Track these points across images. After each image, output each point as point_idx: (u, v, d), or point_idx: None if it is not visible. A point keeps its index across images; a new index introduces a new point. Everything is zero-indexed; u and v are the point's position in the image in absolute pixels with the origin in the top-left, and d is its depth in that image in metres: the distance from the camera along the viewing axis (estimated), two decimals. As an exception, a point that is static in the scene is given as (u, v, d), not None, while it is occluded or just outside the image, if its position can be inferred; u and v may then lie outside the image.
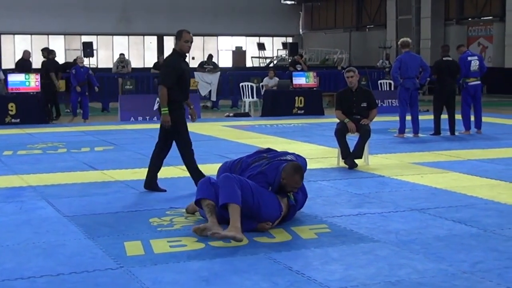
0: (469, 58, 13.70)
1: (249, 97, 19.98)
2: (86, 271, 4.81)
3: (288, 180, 6.05)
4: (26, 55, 18.55)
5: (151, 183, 7.78)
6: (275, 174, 6.09)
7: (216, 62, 24.09)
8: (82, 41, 33.00)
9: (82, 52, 29.11)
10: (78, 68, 17.28)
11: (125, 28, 39.40)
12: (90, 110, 18.65)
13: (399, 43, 13.69)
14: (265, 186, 6.02)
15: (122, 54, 22.36)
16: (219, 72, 21.84)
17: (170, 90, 7.48)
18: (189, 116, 8.01)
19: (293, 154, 6.69)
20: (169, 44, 41.27)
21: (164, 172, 9.02)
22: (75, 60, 19.11)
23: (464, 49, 14.23)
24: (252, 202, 5.76)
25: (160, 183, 8.27)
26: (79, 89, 16.95)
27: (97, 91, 18.01)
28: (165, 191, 7.68)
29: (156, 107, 17.47)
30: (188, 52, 7.63)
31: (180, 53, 7.59)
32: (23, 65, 17.97)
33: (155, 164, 7.82)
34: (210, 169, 8.77)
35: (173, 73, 7.50)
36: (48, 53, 18.74)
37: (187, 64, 7.80)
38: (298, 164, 6.25)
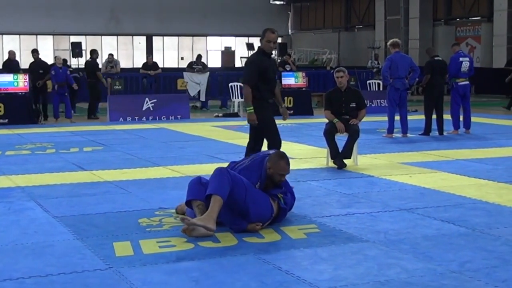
0: (460, 59, 13.77)
1: (238, 98, 19.97)
2: (75, 271, 4.80)
3: (274, 168, 6.05)
4: (12, 55, 18.45)
5: None
6: (261, 168, 6.09)
7: (205, 62, 24.09)
8: (70, 41, 32.91)
9: (71, 52, 29.01)
10: (57, 68, 17.18)
11: (114, 28, 39.30)
12: (78, 110, 18.63)
13: (389, 43, 13.70)
14: (253, 180, 6.01)
15: (111, 55, 22.32)
16: (208, 73, 21.82)
17: (254, 88, 7.53)
18: (282, 116, 8.13)
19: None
20: (158, 44, 41.27)
21: (153, 173, 9.03)
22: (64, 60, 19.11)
23: (458, 48, 14.26)
24: (244, 199, 5.75)
25: (149, 183, 8.27)
26: (75, 86, 16.97)
27: (76, 89, 17.86)
28: None
29: (145, 107, 17.51)
30: (270, 51, 7.67)
31: (264, 51, 7.61)
32: (10, 65, 17.87)
33: None
34: (199, 170, 8.78)
35: (254, 70, 7.52)
36: (91, 53, 19.07)
37: (273, 61, 7.85)
38: (282, 152, 6.31)
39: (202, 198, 5.84)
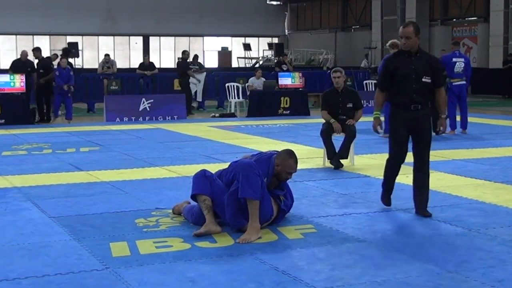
0: (454, 59, 13.73)
1: (235, 98, 19.98)
2: (71, 272, 4.80)
3: (283, 165, 6.07)
4: (24, 56, 18.19)
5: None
6: (269, 164, 6.09)
7: (202, 63, 24.08)
8: (67, 41, 32.88)
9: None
10: (61, 69, 17.19)
11: (111, 28, 39.29)
12: (75, 110, 18.59)
13: (388, 44, 13.69)
14: (263, 173, 5.99)
15: (107, 55, 22.29)
16: (205, 73, 21.82)
17: (389, 92, 6.66)
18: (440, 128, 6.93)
19: (275, 151, 6.63)
20: (155, 44, 41.27)
21: (150, 173, 9.02)
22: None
23: (456, 48, 14.15)
24: None
25: (146, 183, 8.26)
26: (66, 87, 16.94)
27: (72, 90, 17.79)
28: (390, 205, 6.90)
29: (142, 107, 17.52)
30: (403, 48, 6.51)
31: (402, 50, 6.60)
32: (19, 66, 17.65)
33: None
34: (196, 170, 8.74)
35: (381, 73, 6.79)
36: (182, 53, 20.32)
37: (418, 60, 6.49)
38: (291, 150, 6.30)
39: (207, 193, 5.89)
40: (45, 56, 18.44)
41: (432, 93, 6.60)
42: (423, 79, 6.47)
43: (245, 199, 5.69)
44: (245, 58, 40.80)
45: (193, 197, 6.03)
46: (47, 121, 16.84)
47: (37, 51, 17.85)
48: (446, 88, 13.95)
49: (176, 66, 20.89)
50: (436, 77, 6.55)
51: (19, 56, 18.14)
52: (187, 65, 20.13)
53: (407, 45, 6.46)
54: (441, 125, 6.90)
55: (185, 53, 20.43)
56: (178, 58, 21.95)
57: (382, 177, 8.56)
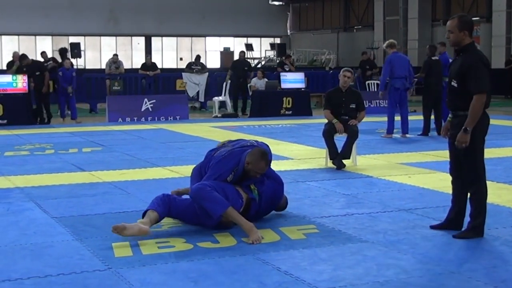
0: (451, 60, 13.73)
1: (221, 96, 19.89)
2: (74, 272, 4.80)
3: (253, 165, 6.03)
4: (15, 57, 18.13)
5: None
6: (238, 160, 6.07)
7: (204, 63, 24.09)
8: (69, 42, 32.89)
9: (70, 53, 28.98)
10: (64, 69, 17.23)
11: (113, 28, 39.29)
12: (78, 111, 18.59)
13: (385, 45, 13.72)
14: (227, 172, 6.01)
15: (115, 55, 22.16)
16: (207, 73, 21.83)
17: None
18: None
19: (255, 141, 6.54)
20: (157, 44, 41.27)
21: (152, 173, 9.03)
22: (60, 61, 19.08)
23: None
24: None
25: (148, 184, 8.27)
26: (70, 89, 16.98)
27: (70, 91, 17.64)
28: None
29: (144, 107, 17.53)
30: (450, 45, 5.97)
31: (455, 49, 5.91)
32: (12, 67, 17.62)
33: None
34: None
35: None
36: (244, 54, 21.35)
37: (456, 61, 5.84)
38: (265, 151, 6.21)
39: (157, 209, 5.85)
40: (34, 58, 18.34)
41: (463, 99, 5.68)
42: (452, 83, 5.79)
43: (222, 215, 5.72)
44: (247, 58, 40.77)
45: (145, 212, 5.94)
46: (47, 121, 16.81)
47: (24, 58, 17.49)
48: (442, 88, 13.95)
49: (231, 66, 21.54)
50: (469, 81, 5.61)
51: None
52: (248, 65, 20.85)
53: (450, 41, 5.81)
54: (458, 139, 5.78)
55: (240, 54, 21.33)
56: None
57: (384, 178, 8.62)
